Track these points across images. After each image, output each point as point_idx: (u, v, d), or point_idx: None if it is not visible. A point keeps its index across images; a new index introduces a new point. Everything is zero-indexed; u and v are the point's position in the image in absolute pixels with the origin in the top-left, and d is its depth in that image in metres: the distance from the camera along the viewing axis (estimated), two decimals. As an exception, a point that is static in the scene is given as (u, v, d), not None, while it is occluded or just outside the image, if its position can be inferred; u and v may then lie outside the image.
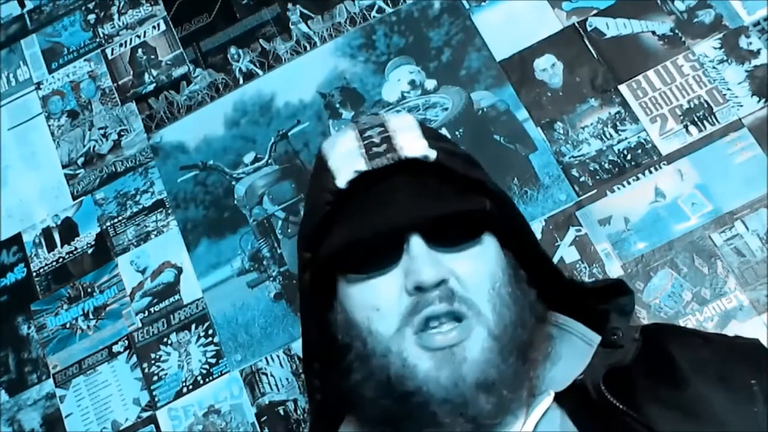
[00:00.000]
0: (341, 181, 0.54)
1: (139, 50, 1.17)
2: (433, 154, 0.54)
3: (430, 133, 0.58)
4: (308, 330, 0.59)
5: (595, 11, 1.03)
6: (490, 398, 0.50)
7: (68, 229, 1.09)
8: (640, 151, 0.95)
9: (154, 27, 1.18)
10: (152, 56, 1.16)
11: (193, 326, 1.00)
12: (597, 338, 0.57)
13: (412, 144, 0.54)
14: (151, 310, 1.02)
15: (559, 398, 0.54)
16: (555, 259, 0.93)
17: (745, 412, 0.51)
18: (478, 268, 0.54)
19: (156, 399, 0.97)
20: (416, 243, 0.52)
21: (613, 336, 0.56)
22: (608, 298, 0.61)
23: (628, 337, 0.56)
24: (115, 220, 1.08)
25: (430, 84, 1.05)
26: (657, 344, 0.56)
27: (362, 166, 0.53)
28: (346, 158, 0.55)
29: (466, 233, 0.55)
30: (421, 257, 0.52)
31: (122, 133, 1.13)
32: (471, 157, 0.61)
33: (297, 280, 0.59)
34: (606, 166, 0.95)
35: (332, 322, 0.57)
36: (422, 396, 0.50)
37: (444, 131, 1.02)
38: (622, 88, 0.98)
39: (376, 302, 0.53)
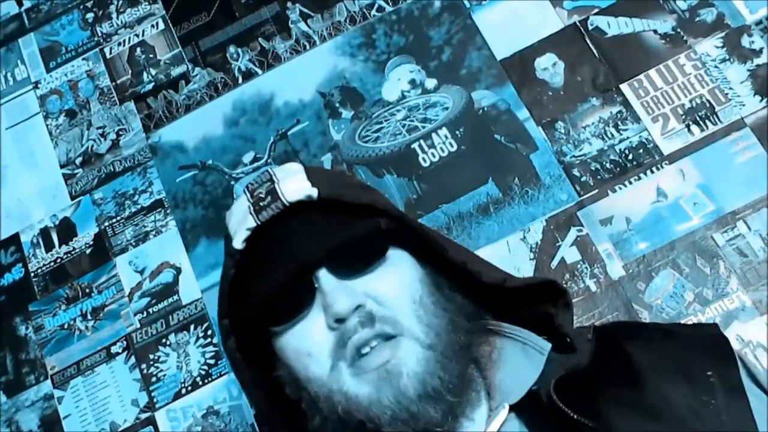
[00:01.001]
0: (237, 243, 0.56)
1: (138, 49, 1.16)
2: (314, 192, 0.55)
3: (315, 173, 0.59)
4: (254, 394, 0.60)
5: (596, 10, 1.02)
6: (437, 406, 0.50)
7: (66, 229, 1.08)
8: (641, 150, 0.95)
9: (152, 26, 1.17)
10: (151, 55, 1.15)
11: (192, 327, 0.99)
12: (547, 346, 0.57)
13: (293, 188, 0.56)
14: (150, 310, 1.01)
15: (517, 408, 0.54)
16: (556, 260, 0.93)
17: (704, 407, 0.50)
18: (392, 284, 0.55)
19: (155, 400, 0.97)
20: (324, 277, 0.53)
21: (565, 339, 0.56)
22: (547, 299, 0.61)
23: (581, 339, 0.55)
24: (114, 220, 1.07)
25: (431, 83, 1.04)
26: (613, 344, 0.56)
27: (251, 222, 0.56)
28: (239, 220, 0.57)
29: (371, 255, 0.56)
30: (331, 290, 0.53)
31: (121, 133, 1.12)
32: (360, 184, 0.63)
33: (223, 351, 0.61)
34: (607, 165, 0.95)
35: (277, 378, 0.58)
36: (372, 422, 0.51)
37: (444, 131, 1.01)
38: (624, 87, 0.98)
39: (306, 347, 0.54)
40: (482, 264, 0.63)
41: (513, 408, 0.54)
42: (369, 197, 0.59)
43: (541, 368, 0.55)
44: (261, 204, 0.56)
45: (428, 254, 0.59)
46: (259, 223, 0.56)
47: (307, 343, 0.54)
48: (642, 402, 0.52)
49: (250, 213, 0.56)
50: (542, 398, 0.51)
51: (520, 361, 0.57)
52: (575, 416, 0.49)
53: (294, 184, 0.57)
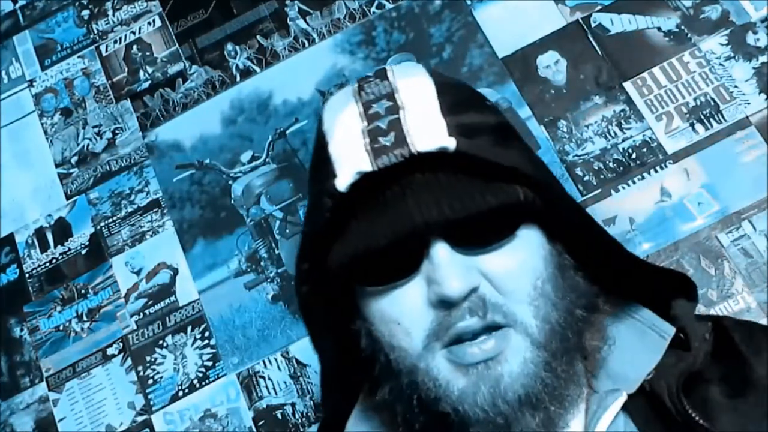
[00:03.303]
0: (342, 184, 0.45)
1: (134, 47, 1.15)
2: (452, 144, 0.44)
3: (452, 104, 0.47)
4: (322, 344, 0.53)
5: (599, 7, 1.01)
6: (537, 415, 0.45)
7: (61, 230, 1.07)
8: (645, 149, 0.94)
9: (149, 23, 1.16)
10: (147, 53, 1.14)
11: (189, 328, 0.98)
12: (671, 330, 0.50)
13: (426, 132, 0.44)
14: (146, 312, 1.00)
15: (627, 403, 0.48)
16: (559, 260, 0.91)
17: None
18: (515, 266, 0.46)
19: (151, 403, 0.96)
20: (438, 248, 0.44)
21: (680, 334, 0.50)
22: (670, 284, 0.54)
23: (698, 335, 0.49)
24: (110, 220, 1.06)
25: (431, 81, 1.03)
26: (731, 346, 0.50)
27: (366, 165, 0.44)
28: (347, 149, 0.46)
29: (499, 230, 0.46)
30: (444, 265, 0.44)
31: (117, 132, 1.11)
32: (504, 129, 0.51)
33: (296, 293, 0.52)
34: (611, 164, 0.94)
35: (353, 332, 0.50)
36: (459, 417, 0.45)
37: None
38: (627, 85, 0.97)
39: (397, 316, 0.46)
40: (606, 238, 0.53)
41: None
42: (513, 156, 0.47)
43: (661, 354, 0.48)
44: (381, 140, 0.44)
45: (564, 227, 0.50)
46: (375, 169, 0.44)
47: (400, 313, 0.46)
48: (757, 413, 0.46)
49: (366, 149, 0.44)
50: (659, 394, 0.46)
51: (635, 343, 0.50)
52: (706, 424, 0.44)
53: (426, 124, 0.45)
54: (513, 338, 0.45)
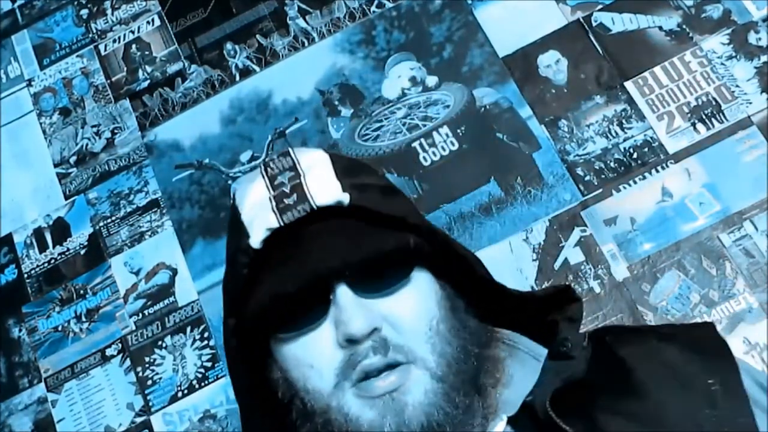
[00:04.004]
0: (255, 241, 0.51)
1: (133, 46, 1.14)
2: (346, 198, 0.51)
3: (344, 167, 0.55)
4: (243, 394, 0.57)
5: (600, 6, 1.01)
6: None
7: (60, 230, 1.06)
8: (646, 149, 0.93)
9: (148, 22, 1.15)
10: (146, 52, 1.14)
11: (189, 329, 0.98)
12: (543, 351, 0.56)
13: (323, 189, 0.52)
14: (146, 312, 1.00)
15: (513, 420, 0.52)
16: (559, 261, 0.91)
17: (707, 418, 0.49)
18: (411, 309, 0.52)
19: (150, 404, 0.95)
20: (342, 292, 0.50)
21: (562, 347, 0.54)
22: (557, 307, 0.59)
23: (577, 346, 0.53)
24: (109, 221, 1.06)
25: (432, 81, 1.03)
26: (610, 351, 0.54)
27: (274, 222, 0.51)
28: (257, 212, 0.52)
29: (394, 274, 0.52)
30: (348, 307, 0.49)
31: (116, 131, 1.10)
32: (390, 188, 0.59)
33: (223, 344, 0.57)
34: (612, 164, 0.94)
35: (270, 381, 0.55)
36: None
37: (446, 129, 0.99)
38: (628, 84, 0.96)
39: (310, 359, 0.51)
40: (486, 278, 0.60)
41: (510, 420, 0.52)
42: (401, 208, 0.55)
43: (536, 377, 0.53)
44: (285, 201, 0.51)
45: (450, 270, 0.56)
46: (282, 224, 0.51)
47: (312, 356, 0.51)
48: (640, 413, 0.50)
49: (273, 210, 0.51)
50: (537, 411, 0.50)
51: (519, 370, 0.55)
52: (567, 428, 0.48)
53: (323, 182, 0.52)
54: (414, 372, 0.50)
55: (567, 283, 0.87)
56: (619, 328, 0.72)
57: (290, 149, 0.56)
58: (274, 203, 0.52)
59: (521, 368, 0.55)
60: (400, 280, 0.52)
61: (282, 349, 0.53)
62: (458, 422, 0.50)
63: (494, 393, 0.53)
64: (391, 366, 0.49)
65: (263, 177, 0.54)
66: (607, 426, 0.49)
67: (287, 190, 0.52)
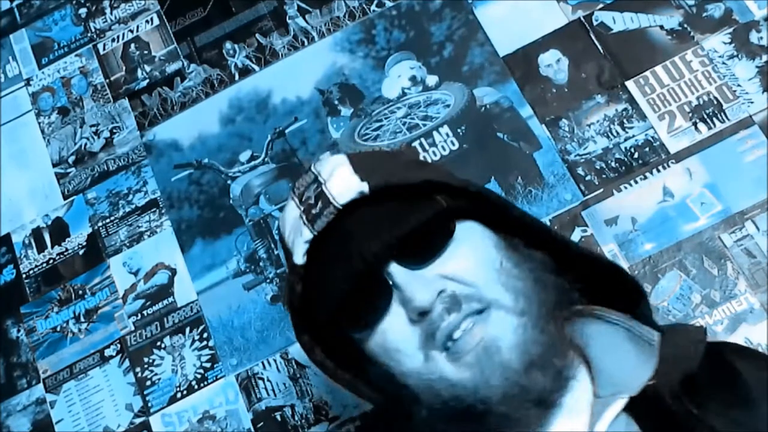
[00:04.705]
0: (298, 258, 0.54)
1: (132, 45, 1.14)
2: (365, 187, 0.52)
3: (360, 162, 0.56)
4: (364, 389, 0.57)
5: (601, 5, 1.00)
6: (546, 372, 0.49)
7: (59, 230, 1.06)
8: (647, 149, 0.93)
9: (147, 21, 1.15)
10: (145, 51, 1.13)
11: (188, 329, 0.98)
12: (656, 335, 0.54)
13: (343, 187, 0.53)
14: (144, 312, 0.99)
15: (629, 404, 0.51)
16: (560, 261, 0.91)
17: None
18: (467, 259, 0.52)
19: (149, 404, 0.95)
20: (396, 272, 0.51)
21: (672, 330, 0.54)
22: (624, 286, 0.58)
23: (690, 339, 0.53)
24: (107, 221, 1.05)
25: (432, 80, 1.02)
26: (721, 358, 0.54)
27: (308, 234, 0.53)
28: (294, 232, 0.55)
29: (437, 237, 0.53)
30: (407, 283, 0.50)
31: (114, 131, 1.10)
32: (413, 162, 0.60)
33: (314, 364, 0.58)
34: (613, 164, 0.93)
35: (373, 375, 0.56)
36: (483, 403, 0.49)
37: (446, 128, 0.99)
38: (629, 84, 0.96)
39: (393, 345, 0.52)
40: (541, 226, 0.59)
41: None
42: (421, 173, 0.55)
43: (655, 361, 0.52)
44: (313, 212, 0.53)
45: (497, 218, 0.56)
46: (315, 234, 0.53)
47: (394, 341, 0.52)
48: (751, 424, 0.49)
49: (304, 224, 0.54)
50: (661, 395, 0.49)
51: (627, 349, 0.54)
52: (705, 421, 0.47)
53: (342, 181, 0.54)
54: (494, 315, 0.50)
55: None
56: (733, 343, 0.71)
57: (312, 165, 0.58)
58: (304, 217, 0.54)
59: (631, 347, 0.54)
60: (446, 239, 0.53)
61: (368, 346, 0.54)
62: (555, 351, 0.50)
63: (589, 348, 0.53)
64: (471, 316, 0.49)
65: (293, 198, 0.57)
66: (720, 427, 0.48)
67: (312, 201, 0.54)
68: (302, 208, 0.55)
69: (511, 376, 0.48)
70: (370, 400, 0.57)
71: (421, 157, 0.98)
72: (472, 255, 0.52)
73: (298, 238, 0.54)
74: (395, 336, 0.51)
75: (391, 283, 0.51)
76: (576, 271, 0.57)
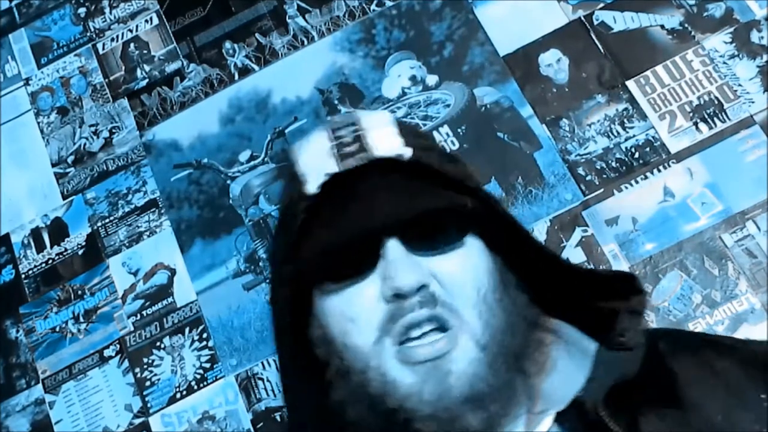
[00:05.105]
0: (312, 186, 0.50)
1: (131, 45, 1.14)
2: (407, 152, 0.50)
3: (407, 130, 0.54)
4: (284, 348, 0.56)
5: (601, 5, 1.00)
6: (479, 413, 0.47)
7: (58, 230, 1.06)
8: (648, 149, 0.93)
9: (146, 21, 1.15)
10: (145, 51, 1.13)
11: (187, 330, 0.97)
12: (593, 346, 0.54)
13: (385, 142, 0.51)
14: (144, 313, 0.99)
15: (560, 416, 0.51)
16: (561, 261, 0.90)
17: None
18: (461, 272, 0.50)
19: (149, 405, 0.95)
20: (393, 246, 0.49)
21: (620, 337, 0.52)
22: (619, 296, 0.56)
23: (636, 341, 0.51)
24: (107, 221, 1.05)
25: (432, 80, 1.02)
26: (662, 356, 0.52)
27: (333, 167, 0.50)
28: (316, 160, 0.52)
29: (448, 234, 0.51)
30: (398, 261, 0.48)
31: (114, 131, 1.10)
32: (450, 154, 0.58)
33: (271, 297, 0.56)
34: (613, 164, 0.93)
35: (310, 338, 0.53)
36: (405, 413, 0.47)
37: (446, 128, 0.99)
38: (630, 83, 0.96)
39: (352, 313, 0.49)
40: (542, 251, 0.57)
41: (556, 415, 0.50)
42: (460, 171, 0.53)
43: (587, 373, 0.51)
44: (346, 150, 0.50)
45: (504, 244, 0.54)
46: (341, 169, 0.50)
47: (355, 309, 0.49)
48: (686, 422, 0.49)
49: (334, 155, 0.50)
50: (588, 410, 0.48)
51: (566, 364, 0.53)
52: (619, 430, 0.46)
53: (385, 137, 0.51)
54: (459, 339, 0.48)
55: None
56: (675, 332, 0.70)
57: (357, 112, 0.56)
58: (335, 150, 0.51)
59: (569, 361, 0.54)
60: (453, 242, 0.51)
61: (325, 302, 0.51)
62: (499, 397, 0.48)
63: (538, 378, 0.52)
64: (437, 323, 0.48)
65: (326, 131, 0.54)
66: (651, 430, 0.47)
67: (349, 140, 0.51)
68: (335, 142, 0.51)
69: (446, 401, 0.46)
70: (284, 365, 0.55)
71: (422, 157, 0.98)
72: (468, 269, 0.51)
73: (320, 166, 0.50)
74: (360, 305, 0.49)
75: (381, 253, 0.49)
76: (556, 304, 0.56)
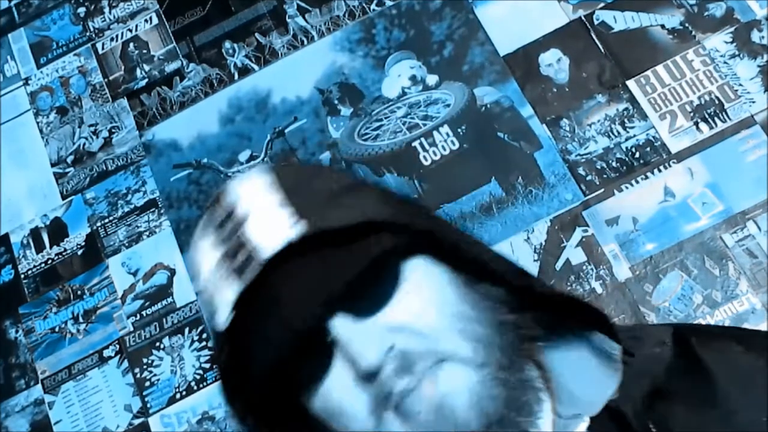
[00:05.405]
0: (222, 321, 0.46)
1: (131, 44, 1.14)
2: (299, 229, 0.44)
3: (288, 185, 0.48)
4: None
5: (602, 4, 1.00)
6: (507, 427, 0.44)
7: (57, 230, 1.05)
8: (648, 149, 0.92)
9: (146, 20, 1.14)
10: (144, 51, 1.13)
11: (187, 330, 0.97)
12: (617, 347, 0.50)
13: (269, 234, 0.45)
14: (143, 313, 0.99)
15: (594, 422, 0.48)
16: (561, 261, 0.90)
17: None
18: (421, 304, 0.46)
19: (148, 405, 0.95)
20: (339, 325, 0.44)
21: (632, 338, 0.50)
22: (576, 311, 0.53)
23: (655, 341, 0.50)
24: (106, 221, 1.05)
25: (432, 79, 1.02)
26: (694, 354, 0.50)
27: (231, 294, 0.45)
28: (214, 286, 0.47)
29: (382, 283, 0.47)
30: (350, 340, 0.43)
31: (113, 131, 1.09)
32: (347, 186, 0.52)
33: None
34: (614, 164, 0.93)
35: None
36: None
37: (446, 128, 0.99)
38: (631, 83, 0.96)
39: (340, 408, 0.46)
40: (501, 262, 0.53)
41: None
42: (359, 212, 0.48)
43: (619, 376, 0.48)
44: (235, 265, 0.45)
45: (447, 252, 0.50)
46: (238, 295, 0.46)
47: (339, 404, 0.46)
48: (716, 421, 0.47)
49: (227, 278, 0.46)
50: (626, 415, 0.46)
51: (588, 365, 0.50)
52: None
53: (268, 227, 0.46)
54: (450, 370, 0.44)
55: (568, 283, 0.86)
56: (704, 328, 0.67)
57: (225, 188, 0.49)
58: (223, 270, 0.46)
59: (594, 363, 0.50)
60: (394, 281, 0.46)
61: (309, 404, 0.47)
62: (519, 404, 0.45)
63: (542, 355, 0.48)
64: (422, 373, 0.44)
65: (209, 232, 0.49)
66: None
67: (232, 249, 0.46)
68: (221, 255, 0.47)
69: None
70: None
71: (421, 158, 0.98)
72: (425, 298, 0.46)
73: (220, 296, 0.46)
74: (341, 398, 0.45)
75: (331, 338, 0.45)
76: (538, 309, 0.51)
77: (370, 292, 0.45)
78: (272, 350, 0.45)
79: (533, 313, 0.51)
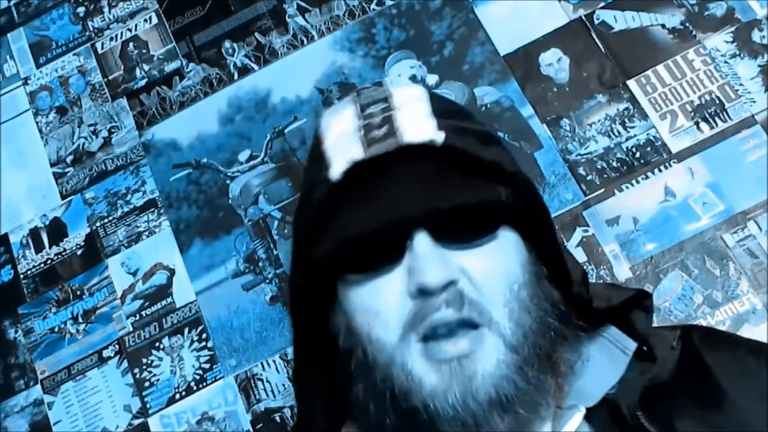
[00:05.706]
0: (335, 172, 0.47)
1: (131, 44, 1.13)
2: (440, 137, 0.46)
3: (441, 107, 0.50)
4: (302, 338, 0.54)
5: (602, 4, 1.00)
6: (505, 417, 0.45)
7: (57, 230, 1.05)
8: (649, 148, 0.92)
9: (145, 20, 1.14)
10: (144, 50, 1.13)
11: (186, 330, 0.97)
12: (633, 345, 0.52)
13: (416, 126, 0.47)
14: (143, 313, 0.99)
15: (589, 414, 0.49)
16: (561, 261, 0.90)
17: None
18: (493, 267, 0.47)
19: (148, 405, 0.95)
20: (420, 239, 0.46)
21: (645, 342, 0.51)
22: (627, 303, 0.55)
23: (665, 346, 0.50)
24: (106, 221, 1.05)
25: (432, 79, 1.02)
26: (697, 354, 0.51)
27: (358, 154, 0.47)
28: (341, 143, 0.48)
29: (480, 227, 0.48)
30: (425, 255, 0.45)
31: (113, 130, 1.09)
32: (487, 133, 0.53)
33: (288, 282, 0.53)
34: (614, 164, 0.93)
35: (332, 328, 0.51)
36: (429, 413, 0.45)
37: (446, 128, 0.99)
38: (631, 83, 0.95)
39: (376, 307, 0.47)
40: (571, 259, 0.55)
41: (586, 413, 0.49)
42: (496, 155, 0.49)
43: (623, 370, 0.50)
44: (374, 133, 0.46)
45: (536, 236, 0.51)
46: (366, 157, 0.46)
47: (379, 304, 0.47)
48: (723, 425, 0.47)
49: (360, 140, 0.47)
50: (622, 411, 0.47)
51: (599, 358, 0.52)
52: None
53: (416, 120, 0.47)
54: (487, 339, 0.46)
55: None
56: (708, 329, 0.68)
57: (386, 83, 0.52)
58: (362, 132, 0.47)
59: (603, 357, 0.52)
60: (486, 234, 0.48)
61: (349, 293, 0.49)
62: (528, 399, 0.46)
63: (569, 377, 0.50)
64: (465, 324, 0.45)
65: (354, 104, 0.51)
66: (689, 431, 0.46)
67: (377, 121, 0.48)
68: (363, 122, 0.48)
69: (471, 404, 0.44)
70: (301, 352, 0.52)
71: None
72: (499, 265, 0.48)
73: (345, 151, 0.47)
74: (385, 299, 0.46)
75: (408, 245, 0.46)
76: (586, 322, 0.53)
77: (464, 228, 0.47)
78: (358, 225, 0.46)
79: (578, 329, 0.52)
